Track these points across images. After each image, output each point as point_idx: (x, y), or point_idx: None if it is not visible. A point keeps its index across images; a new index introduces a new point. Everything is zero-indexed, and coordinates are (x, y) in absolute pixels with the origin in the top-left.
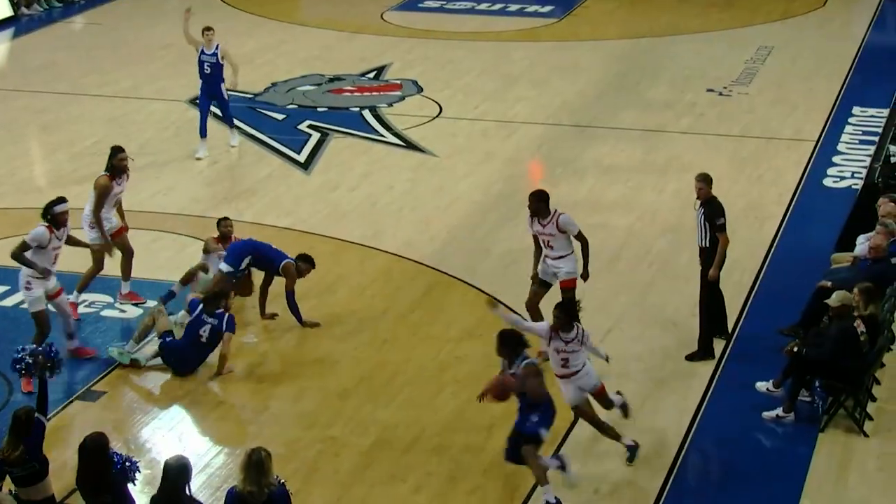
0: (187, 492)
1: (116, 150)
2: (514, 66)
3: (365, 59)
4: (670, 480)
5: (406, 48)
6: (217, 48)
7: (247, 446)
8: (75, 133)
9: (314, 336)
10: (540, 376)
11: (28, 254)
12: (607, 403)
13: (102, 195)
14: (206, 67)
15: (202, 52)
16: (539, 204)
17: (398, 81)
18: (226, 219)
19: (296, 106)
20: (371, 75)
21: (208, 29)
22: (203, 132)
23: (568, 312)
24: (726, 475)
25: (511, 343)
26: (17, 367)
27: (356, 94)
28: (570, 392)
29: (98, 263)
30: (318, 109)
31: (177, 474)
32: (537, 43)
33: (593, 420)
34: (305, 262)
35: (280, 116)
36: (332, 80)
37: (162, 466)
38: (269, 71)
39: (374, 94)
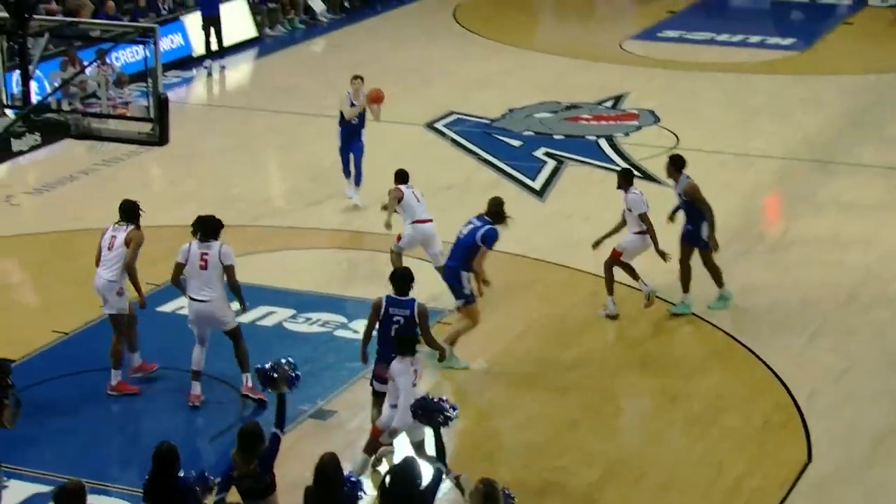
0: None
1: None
2: (753, 99)
3: (602, 88)
4: None
5: (644, 78)
6: (363, 97)
7: (474, 474)
8: (313, 154)
9: (544, 364)
10: None
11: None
12: None
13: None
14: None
15: (350, 101)
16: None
17: (635, 111)
18: None
19: (532, 133)
20: (608, 104)
21: (357, 77)
22: (347, 172)
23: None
24: None
25: None
26: (263, 379)
27: (593, 122)
28: None
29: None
30: (555, 137)
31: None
32: (778, 75)
33: None
34: None
35: (516, 143)
36: (568, 107)
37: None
38: (506, 97)
39: (611, 123)
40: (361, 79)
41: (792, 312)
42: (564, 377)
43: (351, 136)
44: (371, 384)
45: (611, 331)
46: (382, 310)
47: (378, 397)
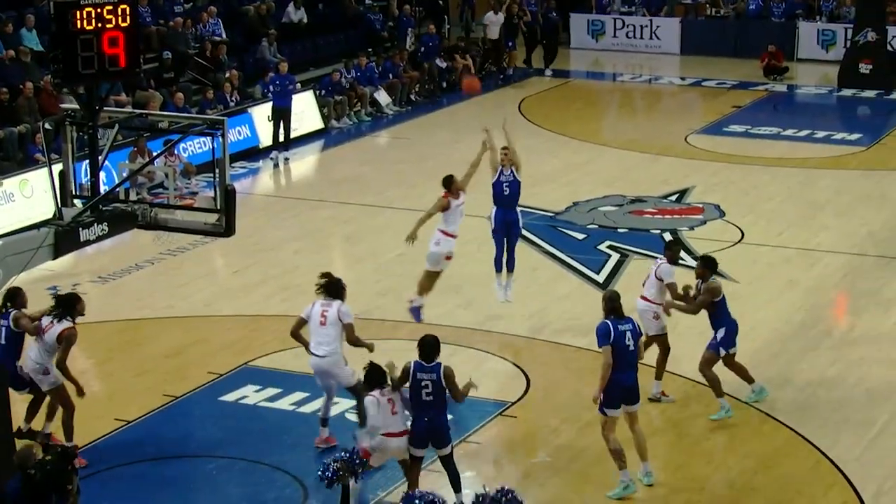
0: None
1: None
2: (819, 194)
3: (667, 182)
4: None
5: (709, 172)
6: (512, 168)
7: None
8: (379, 244)
9: (604, 456)
10: None
11: None
12: None
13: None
14: (504, 188)
15: (500, 174)
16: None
17: (700, 205)
18: None
19: (596, 226)
20: (673, 198)
21: (505, 149)
22: (499, 267)
23: None
24: None
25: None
26: (324, 477)
27: (657, 216)
28: None
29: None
30: (619, 230)
31: None
32: (844, 171)
33: None
34: None
35: (580, 236)
36: (633, 201)
37: None
38: (571, 190)
39: (676, 216)
40: (507, 151)
41: (858, 409)
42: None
43: (507, 214)
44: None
45: (673, 426)
46: (411, 374)
47: (415, 462)
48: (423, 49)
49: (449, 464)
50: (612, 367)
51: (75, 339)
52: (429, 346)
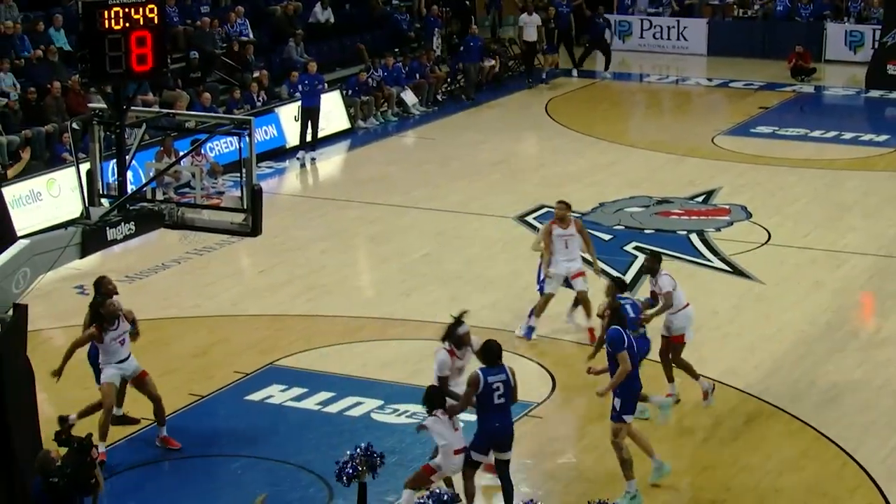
0: None
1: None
2: (846, 195)
3: (694, 183)
4: None
5: (736, 173)
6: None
7: None
8: (405, 244)
9: (643, 459)
10: None
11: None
12: None
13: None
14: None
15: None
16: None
17: (727, 206)
18: None
19: (622, 227)
20: (700, 199)
21: (561, 203)
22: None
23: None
24: None
25: None
26: (341, 474)
27: (684, 217)
28: None
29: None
30: (645, 231)
31: None
32: (871, 172)
33: None
34: None
35: (606, 237)
36: (660, 202)
37: None
38: (597, 191)
39: (702, 218)
40: (568, 205)
41: (884, 411)
42: (644, 478)
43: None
44: (469, 455)
45: (701, 427)
46: (482, 383)
47: (473, 468)
48: (462, 49)
49: (506, 472)
50: (628, 373)
51: (96, 338)
52: (493, 351)
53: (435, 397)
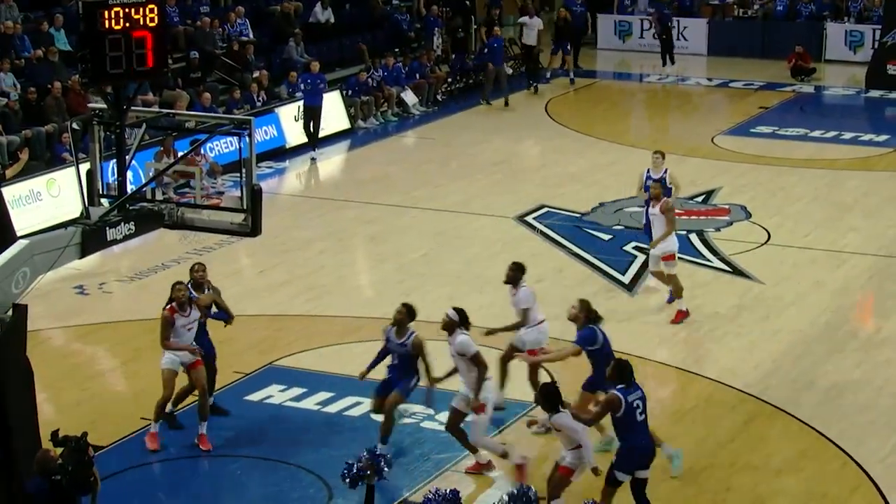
0: None
1: (176, 282)
2: (846, 195)
3: (694, 183)
4: None
5: (736, 173)
6: (665, 172)
7: None
8: (404, 244)
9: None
10: None
11: None
12: None
13: (164, 327)
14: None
15: (647, 177)
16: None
17: (727, 206)
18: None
19: (622, 227)
20: (700, 199)
21: (657, 153)
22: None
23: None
24: None
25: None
26: (347, 477)
27: (684, 217)
28: None
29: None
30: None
31: None
32: (871, 172)
33: None
34: None
35: (606, 237)
36: None
37: None
38: (597, 191)
39: (702, 217)
40: (662, 155)
41: (884, 411)
42: (651, 474)
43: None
44: (612, 475)
45: (700, 427)
46: (624, 405)
47: (614, 487)
48: (486, 51)
49: (644, 489)
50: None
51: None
52: (628, 370)
53: (554, 395)
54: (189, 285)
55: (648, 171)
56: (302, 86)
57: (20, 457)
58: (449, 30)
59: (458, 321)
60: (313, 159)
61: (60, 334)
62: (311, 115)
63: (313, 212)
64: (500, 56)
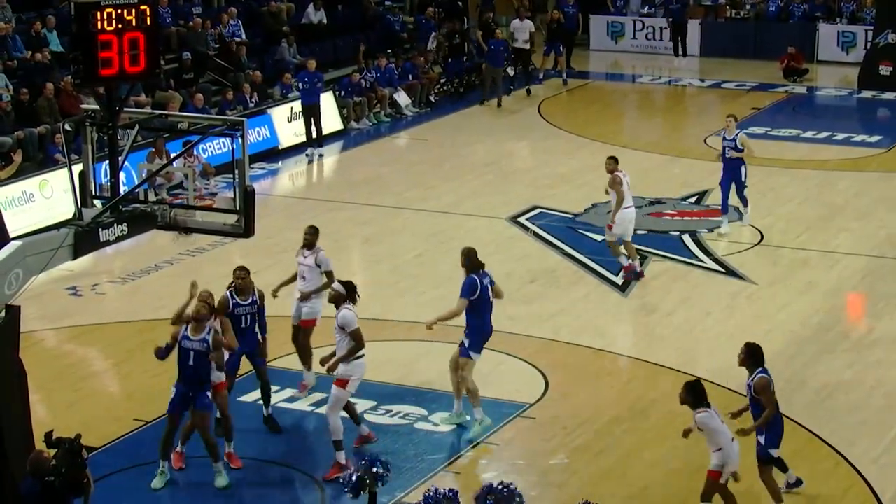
0: None
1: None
2: (838, 196)
3: (686, 184)
4: None
5: None
6: (737, 135)
7: None
8: (397, 245)
9: (624, 459)
10: None
11: None
12: None
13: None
14: (726, 151)
15: (724, 138)
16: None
17: (719, 207)
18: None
19: None
20: (692, 200)
21: (730, 116)
22: (725, 209)
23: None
24: None
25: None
26: (348, 485)
27: (676, 217)
28: None
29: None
30: (638, 232)
31: None
32: (863, 173)
33: None
34: None
35: (599, 237)
36: (652, 202)
37: None
38: (589, 192)
39: (695, 218)
40: (734, 117)
41: (876, 411)
42: (646, 475)
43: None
44: (767, 454)
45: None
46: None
47: (771, 465)
48: (488, 51)
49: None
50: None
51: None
52: (701, 390)
53: (701, 391)
54: (231, 291)
55: (724, 132)
56: (300, 84)
57: (13, 458)
58: (445, 34)
59: (345, 295)
60: (321, 156)
61: (53, 335)
62: (311, 113)
63: (307, 213)
64: (501, 58)
